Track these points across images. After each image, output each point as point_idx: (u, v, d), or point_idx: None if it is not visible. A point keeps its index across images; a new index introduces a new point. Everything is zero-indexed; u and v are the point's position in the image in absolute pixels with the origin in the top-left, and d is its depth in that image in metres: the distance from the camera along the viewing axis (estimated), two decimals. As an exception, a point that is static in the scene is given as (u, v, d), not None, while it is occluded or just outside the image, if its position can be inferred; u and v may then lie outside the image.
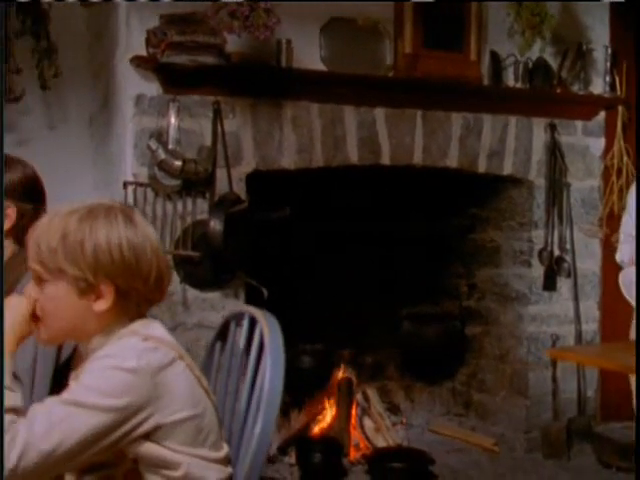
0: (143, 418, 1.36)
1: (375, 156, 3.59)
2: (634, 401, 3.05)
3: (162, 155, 3.05)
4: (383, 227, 3.97)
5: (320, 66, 3.48)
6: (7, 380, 1.34)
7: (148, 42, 3.13)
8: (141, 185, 3.17)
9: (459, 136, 3.76)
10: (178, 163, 3.07)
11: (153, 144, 3.05)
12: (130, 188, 3.16)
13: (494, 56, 3.81)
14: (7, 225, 2.02)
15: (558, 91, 3.93)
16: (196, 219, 3.21)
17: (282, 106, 3.39)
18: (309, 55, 3.45)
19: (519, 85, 3.85)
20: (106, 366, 1.35)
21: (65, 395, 1.33)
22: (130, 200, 3.16)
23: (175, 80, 3.16)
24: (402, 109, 3.64)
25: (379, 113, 3.59)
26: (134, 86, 3.18)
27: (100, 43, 3.71)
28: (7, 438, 1.25)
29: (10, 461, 1.23)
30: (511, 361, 4.12)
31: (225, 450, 1.53)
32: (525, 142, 3.92)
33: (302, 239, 3.69)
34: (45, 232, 1.44)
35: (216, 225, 3.06)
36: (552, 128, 3.95)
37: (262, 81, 3.33)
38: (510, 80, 3.87)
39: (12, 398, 1.34)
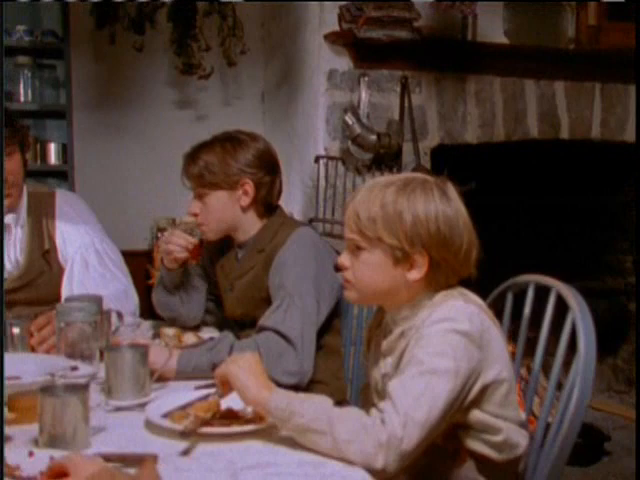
0: (474, 380, 1.40)
1: (554, 130, 3.57)
2: None
3: (358, 130, 3.11)
4: (553, 201, 3.94)
5: (503, 40, 3.47)
6: None
7: (341, 18, 3.17)
8: (332, 159, 3.24)
9: (637, 110, 3.69)
10: (373, 137, 3.12)
11: (349, 119, 3.11)
12: (322, 162, 3.23)
13: (675, 27, 3.71)
14: (247, 201, 2.10)
15: None
16: (384, 192, 3.25)
17: (466, 80, 3.40)
18: (493, 29, 3.44)
19: (699, 56, 3.75)
20: (444, 329, 1.39)
21: (414, 367, 1.37)
22: (322, 173, 3.24)
23: (367, 55, 3.21)
24: (581, 82, 3.59)
25: (559, 86, 3.57)
26: (326, 61, 3.23)
27: (276, 22, 3.79)
28: (375, 416, 1.31)
29: (396, 432, 1.27)
30: (679, 339, 4.05)
31: (523, 414, 1.58)
32: (703, 115, 3.82)
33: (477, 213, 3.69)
34: (364, 202, 1.49)
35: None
36: None
37: (449, 55, 3.34)
38: (690, 51, 3.76)
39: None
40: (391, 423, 1.29)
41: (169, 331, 2.10)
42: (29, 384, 1.55)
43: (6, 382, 1.60)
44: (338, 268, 2.13)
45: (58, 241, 2.36)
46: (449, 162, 3.31)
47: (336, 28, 3.20)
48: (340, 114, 3.21)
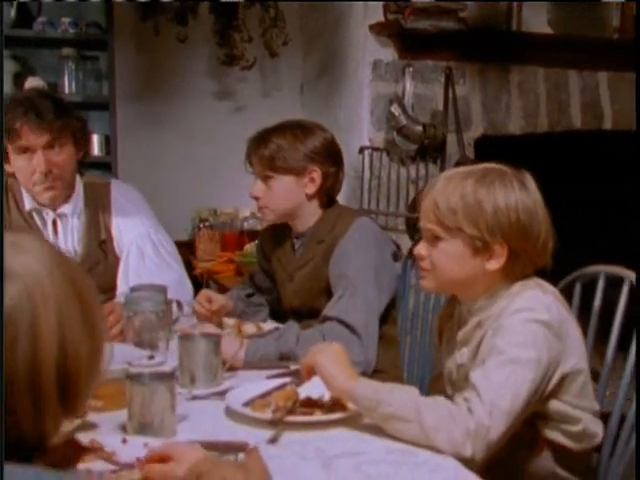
0: (554, 370, 1.41)
1: (597, 121, 3.55)
2: None
3: (404, 120, 3.11)
4: (595, 191, 3.92)
5: (547, 30, 3.45)
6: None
7: (387, 8, 3.17)
8: (376, 150, 3.24)
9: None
10: (419, 128, 3.12)
11: (395, 109, 3.11)
12: (366, 153, 3.23)
13: None
14: (313, 189, 2.10)
15: None
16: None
17: (509, 71, 3.39)
18: (537, 19, 3.42)
19: None
20: (524, 319, 1.40)
21: (495, 357, 1.37)
22: (366, 164, 3.24)
23: (412, 45, 3.20)
24: (624, 73, 3.57)
25: (602, 77, 3.54)
26: (371, 52, 3.23)
27: (314, 14, 3.78)
28: (461, 405, 1.32)
29: (483, 421, 1.29)
30: None
31: (597, 404, 1.58)
32: None
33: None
34: (443, 193, 1.50)
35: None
36: None
37: (493, 45, 3.33)
38: None
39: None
40: (478, 412, 1.29)
41: (229, 321, 2.12)
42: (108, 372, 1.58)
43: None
44: (397, 257, 2.15)
45: (114, 231, 2.37)
46: (492, 153, 3.30)
47: (381, 19, 3.19)
48: (385, 105, 3.21)
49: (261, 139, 2.09)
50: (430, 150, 3.25)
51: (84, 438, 1.26)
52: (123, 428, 1.35)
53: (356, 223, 2.07)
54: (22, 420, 0.69)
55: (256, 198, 2.14)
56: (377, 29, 3.17)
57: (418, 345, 2.33)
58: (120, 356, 1.70)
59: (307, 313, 2.12)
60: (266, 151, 2.06)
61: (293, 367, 1.78)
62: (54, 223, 2.33)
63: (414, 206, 3.26)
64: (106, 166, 3.60)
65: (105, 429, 1.36)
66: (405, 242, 2.97)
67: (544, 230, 1.50)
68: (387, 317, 2.13)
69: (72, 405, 0.71)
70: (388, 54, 3.24)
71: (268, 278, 2.34)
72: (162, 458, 1.13)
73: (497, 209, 1.46)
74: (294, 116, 3.98)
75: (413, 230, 3.28)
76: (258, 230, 3.69)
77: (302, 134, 2.08)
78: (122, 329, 1.93)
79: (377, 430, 1.34)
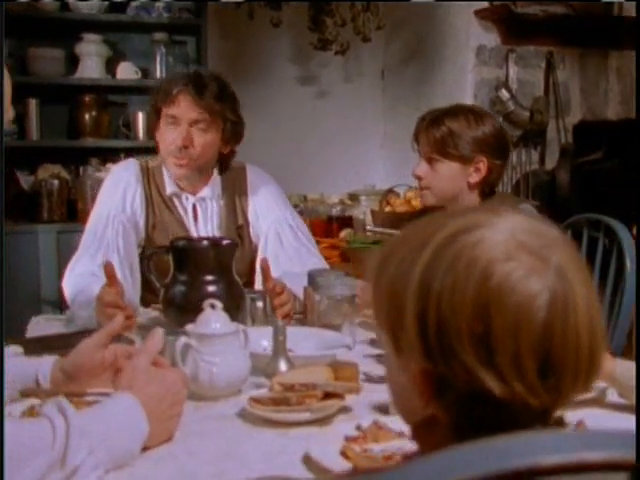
0: None
1: (692, 107, 3.54)
2: None
3: (511, 106, 3.10)
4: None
5: (645, 14, 3.43)
6: None
7: (492, -6, 3.16)
8: (479, 136, 3.22)
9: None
10: (526, 114, 3.11)
11: (503, 95, 3.10)
12: (468, 139, 3.22)
13: None
14: (477, 178, 2.06)
15: None
16: (530, 169, 3.25)
17: (608, 56, 3.38)
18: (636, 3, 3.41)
19: None
20: None
21: None
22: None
23: (517, 31, 3.19)
24: None
25: (698, 61, 3.53)
26: (475, 37, 3.21)
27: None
28: None
29: None
30: None
31: None
32: None
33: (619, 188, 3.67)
34: None
35: (562, 175, 3.09)
36: None
37: (594, 30, 3.32)
38: None
39: None
40: None
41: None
42: (320, 357, 1.57)
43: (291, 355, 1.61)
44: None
45: (251, 217, 2.34)
46: (591, 139, 3.30)
47: (485, 4, 3.17)
48: (487, 90, 3.20)
49: (434, 120, 2.05)
50: (532, 136, 3.24)
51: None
52: (379, 409, 1.33)
53: (521, 209, 2.06)
54: (565, 396, 0.69)
55: (418, 178, 2.11)
56: (483, 14, 3.15)
57: None
58: (318, 341, 1.71)
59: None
60: (438, 133, 2.03)
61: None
62: (194, 208, 2.31)
63: (517, 191, 3.26)
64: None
65: (359, 411, 1.34)
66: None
67: None
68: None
69: (591, 380, 0.70)
70: (491, 39, 3.23)
71: None
72: None
73: None
74: (375, 102, 4.01)
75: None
76: (347, 217, 3.67)
77: (474, 120, 2.05)
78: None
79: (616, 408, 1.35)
